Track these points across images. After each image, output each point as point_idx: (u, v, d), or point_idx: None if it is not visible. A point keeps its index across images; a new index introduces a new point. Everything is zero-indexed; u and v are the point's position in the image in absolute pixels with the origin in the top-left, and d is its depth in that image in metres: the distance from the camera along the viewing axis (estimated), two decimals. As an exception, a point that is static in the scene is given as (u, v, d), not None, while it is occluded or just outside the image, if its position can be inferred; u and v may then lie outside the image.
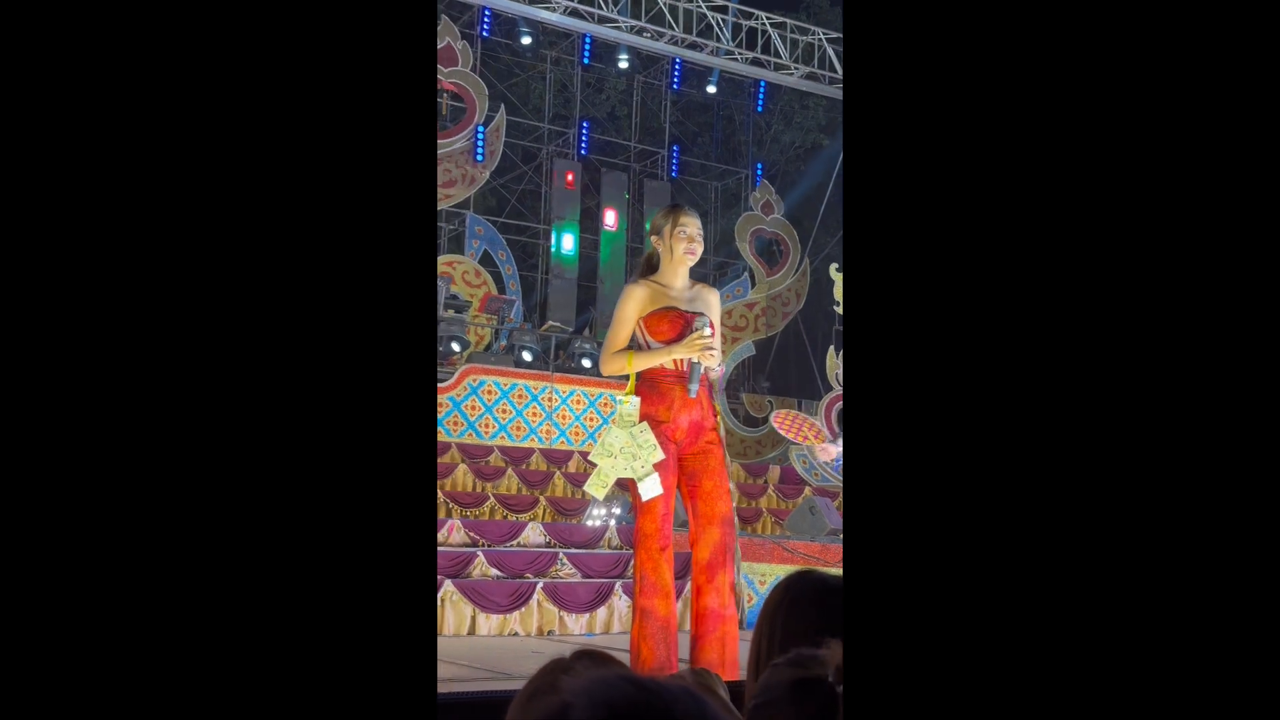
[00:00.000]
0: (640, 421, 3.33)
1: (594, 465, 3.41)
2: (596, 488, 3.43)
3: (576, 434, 10.42)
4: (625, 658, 4.81)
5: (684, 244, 3.44)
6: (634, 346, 3.44)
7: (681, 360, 3.39)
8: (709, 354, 3.32)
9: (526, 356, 10.53)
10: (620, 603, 6.80)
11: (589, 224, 13.43)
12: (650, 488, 3.29)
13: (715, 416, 3.48)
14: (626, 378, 3.39)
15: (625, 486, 3.51)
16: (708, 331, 3.33)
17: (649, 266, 3.54)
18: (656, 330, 3.40)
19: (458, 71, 11.59)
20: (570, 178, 13.00)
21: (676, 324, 3.39)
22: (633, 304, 3.43)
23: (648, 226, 14.07)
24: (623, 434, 3.34)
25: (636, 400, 3.36)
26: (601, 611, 6.75)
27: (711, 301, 3.52)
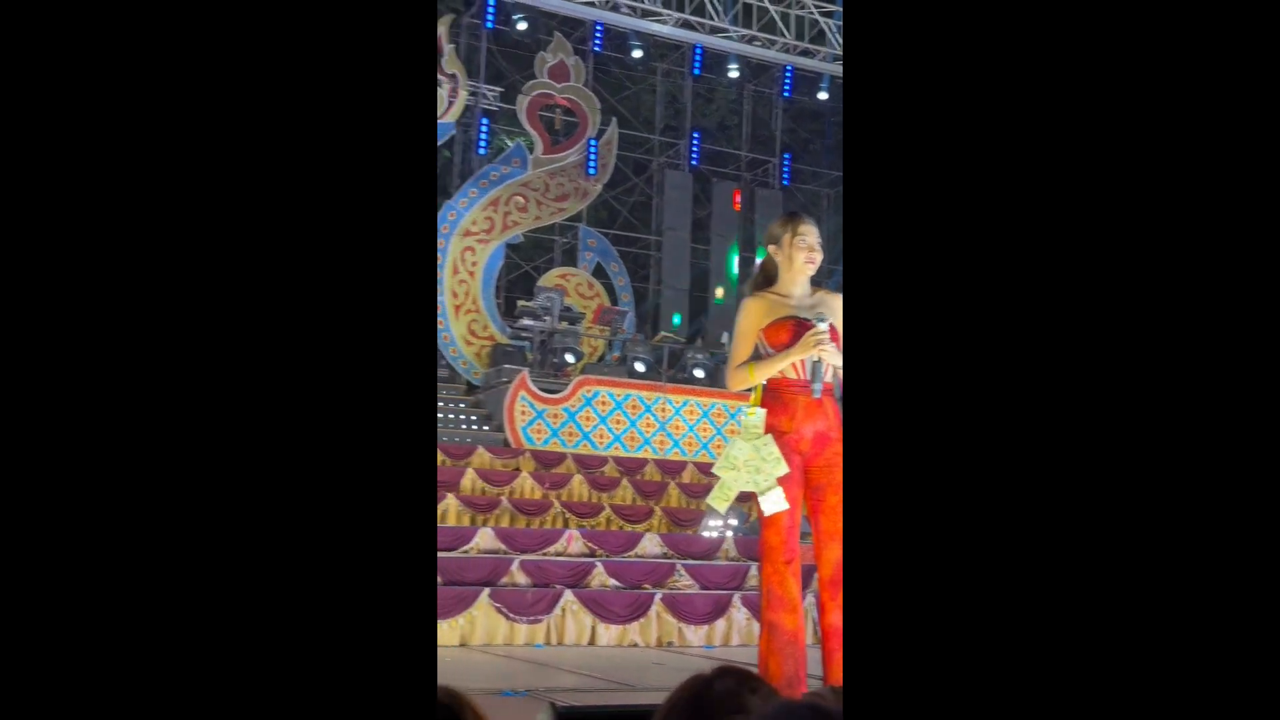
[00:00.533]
0: (765, 434, 3.30)
1: (715, 477, 3.39)
2: (719, 501, 3.41)
3: (690, 444, 10.41)
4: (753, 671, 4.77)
5: (804, 253, 3.37)
6: (756, 359, 3.38)
7: (802, 365, 3.31)
8: (824, 349, 3.24)
9: (639, 367, 10.58)
10: (739, 615, 6.75)
11: (700, 235, 13.43)
12: (773, 502, 3.24)
13: (841, 420, 3.39)
14: (751, 391, 3.37)
15: (749, 500, 3.48)
16: (822, 327, 3.25)
17: (766, 278, 3.47)
18: (776, 340, 3.34)
19: (570, 87, 11.76)
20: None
21: (798, 335, 3.31)
22: (751, 318, 3.38)
23: (759, 237, 13.94)
24: (746, 446, 3.31)
25: (761, 412, 3.30)
26: (720, 624, 6.71)
27: (834, 305, 3.40)
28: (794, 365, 3.31)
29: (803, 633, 3.25)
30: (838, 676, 3.14)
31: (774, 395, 3.35)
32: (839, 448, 3.34)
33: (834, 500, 3.30)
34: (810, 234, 3.40)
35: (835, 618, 3.20)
